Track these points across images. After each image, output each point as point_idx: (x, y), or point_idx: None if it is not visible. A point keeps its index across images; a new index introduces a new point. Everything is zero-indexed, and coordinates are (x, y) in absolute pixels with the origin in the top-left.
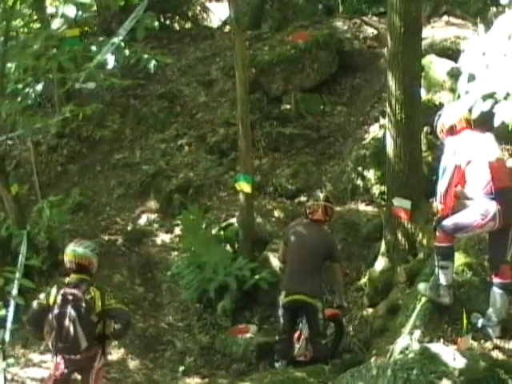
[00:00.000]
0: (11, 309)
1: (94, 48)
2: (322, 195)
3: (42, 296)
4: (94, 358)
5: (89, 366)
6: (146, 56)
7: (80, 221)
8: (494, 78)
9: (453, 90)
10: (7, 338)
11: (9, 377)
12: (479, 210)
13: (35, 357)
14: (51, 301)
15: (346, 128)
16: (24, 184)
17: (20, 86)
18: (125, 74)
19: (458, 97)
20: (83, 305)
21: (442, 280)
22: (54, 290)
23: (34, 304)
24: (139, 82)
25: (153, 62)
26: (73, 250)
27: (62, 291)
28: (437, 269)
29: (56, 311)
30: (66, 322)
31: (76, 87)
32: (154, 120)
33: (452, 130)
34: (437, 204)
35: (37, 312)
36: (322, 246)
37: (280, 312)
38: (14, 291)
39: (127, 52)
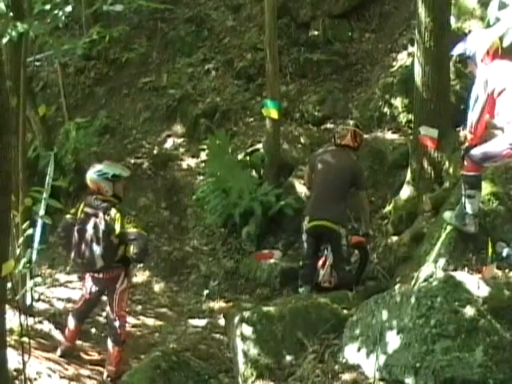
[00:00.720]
0: (38, 229)
1: None
2: (351, 121)
3: (71, 211)
4: (117, 280)
5: (112, 286)
6: None
7: (106, 143)
8: None
9: (483, 19)
10: (34, 257)
11: (36, 296)
12: (508, 139)
13: (61, 277)
14: (78, 216)
15: (373, 55)
16: (51, 106)
17: (48, 6)
18: None
19: (488, 24)
20: (103, 224)
21: (469, 209)
22: (81, 207)
23: (66, 217)
24: (167, 5)
25: None
26: (88, 174)
27: (85, 209)
28: (463, 198)
29: (78, 227)
30: (85, 238)
31: (104, 9)
32: (181, 44)
33: (484, 58)
34: (466, 133)
35: (68, 224)
36: (349, 173)
37: (304, 237)
38: (41, 211)
39: None
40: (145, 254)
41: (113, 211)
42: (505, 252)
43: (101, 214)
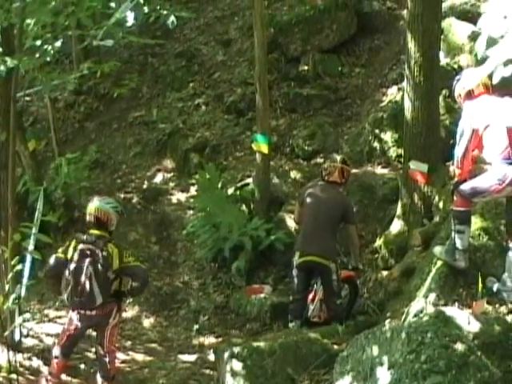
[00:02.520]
0: (27, 264)
1: (113, 5)
2: (338, 157)
3: (60, 250)
4: (110, 315)
5: (104, 322)
6: (165, 12)
7: (96, 178)
8: None
9: (472, 53)
10: (23, 293)
11: (24, 332)
12: (497, 175)
13: (51, 312)
14: (69, 255)
15: (363, 90)
16: (41, 140)
17: (38, 42)
18: (143, 32)
19: (476, 58)
20: (100, 261)
21: (458, 244)
22: (71, 245)
23: (53, 258)
24: (157, 40)
25: (172, 18)
26: (95, 204)
27: (79, 246)
28: (453, 233)
29: (73, 266)
30: (83, 277)
31: (94, 44)
32: (171, 78)
33: (470, 95)
34: (454, 168)
35: (55, 265)
36: (338, 207)
37: (294, 273)
38: (31, 246)
39: (146, 9)
40: (145, 286)
41: (110, 246)
42: (495, 287)
43: (97, 251)
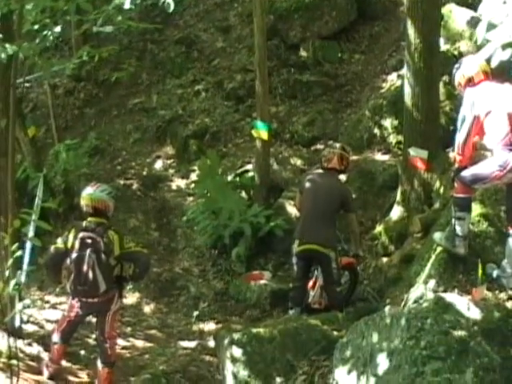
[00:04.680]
0: (27, 251)
1: None
2: (338, 144)
3: (59, 240)
4: (112, 301)
5: (106, 308)
6: None
7: (96, 165)
8: None
9: (472, 40)
10: (23, 279)
11: (24, 318)
12: (498, 161)
13: (51, 298)
14: (69, 244)
15: (363, 76)
16: (41, 127)
17: (36, 26)
18: (142, 19)
19: (476, 44)
20: (102, 248)
21: (458, 231)
22: (71, 234)
23: (52, 248)
24: (157, 25)
25: (169, 0)
26: (89, 194)
27: (80, 235)
28: (453, 219)
29: (74, 255)
30: (85, 265)
31: (93, 30)
32: (171, 65)
33: (470, 82)
34: (455, 155)
35: (54, 256)
36: (336, 195)
37: (293, 260)
38: (31, 233)
39: None
40: (146, 272)
41: (110, 233)
42: (495, 273)
43: (98, 238)
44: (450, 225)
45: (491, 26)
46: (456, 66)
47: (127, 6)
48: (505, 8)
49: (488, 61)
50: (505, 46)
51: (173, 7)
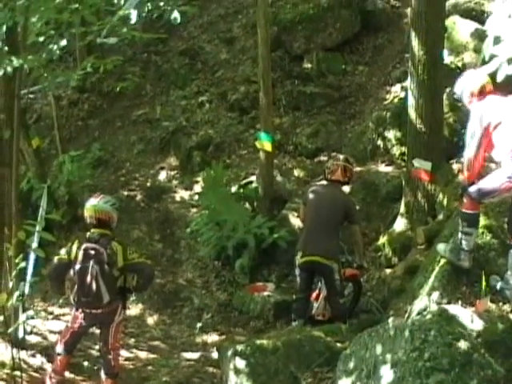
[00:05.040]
0: (31, 262)
1: (116, 1)
2: (341, 156)
3: (62, 251)
4: (115, 312)
5: (109, 319)
6: (168, 8)
7: (100, 176)
8: None
9: (476, 52)
10: (27, 290)
11: (28, 329)
12: (507, 172)
13: (54, 309)
14: (72, 256)
15: (367, 88)
16: (45, 138)
17: (41, 38)
18: (146, 30)
19: (483, 60)
20: (105, 259)
21: (465, 245)
22: (75, 245)
23: (55, 259)
24: (161, 36)
25: (175, 13)
26: (93, 205)
27: (83, 246)
28: (460, 234)
29: (78, 266)
30: (88, 276)
31: (98, 42)
32: (174, 76)
33: (476, 95)
34: (464, 170)
35: (58, 267)
36: (340, 206)
37: (297, 272)
38: (34, 244)
39: (150, 6)
40: (150, 283)
41: (114, 244)
42: (498, 285)
43: (102, 250)
44: (453, 237)
45: (497, 40)
46: (461, 79)
47: (134, 20)
48: (510, 22)
49: (494, 75)
50: (511, 60)
51: (178, 20)
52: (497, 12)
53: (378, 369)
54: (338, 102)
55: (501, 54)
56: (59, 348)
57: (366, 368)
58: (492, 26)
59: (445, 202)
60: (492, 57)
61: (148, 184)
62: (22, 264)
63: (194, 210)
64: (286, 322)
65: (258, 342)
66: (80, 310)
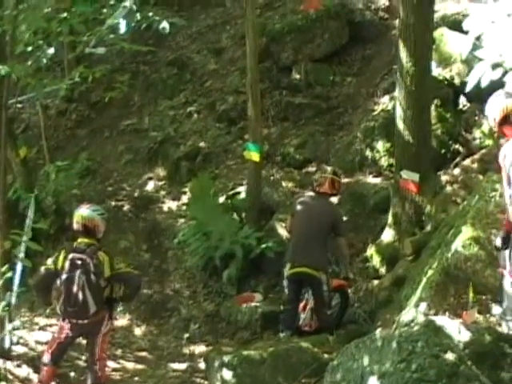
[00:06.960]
0: (18, 272)
1: (105, 11)
2: (329, 168)
3: (49, 261)
4: (102, 323)
5: (96, 330)
6: (157, 18)
7: (87, 186)
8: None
9: (464, 63)
10: (13, 300)
11: (14, 339)
12: None
13: (41, 320)
14: (59, 266)
15: (355, 99)
16: (32, 147)
17: (29, 48)
18: (135, 40)
19: (468, 67)
20: (92, 269)
21: None
22: (61, 255)
23: (42, 269)
24: (149, 47)
25: (164, 24)
26: (81, 212)
27: (70, 256)
28: None
29: (64, 276)
30: (75, 287)
31: (86, 51)
32: (163, 87)
33: (499, 123)
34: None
35: (44, 277)
36: (327, 218)
37: (285, 283)
38: (21, 254)
39: (139, 16)
40: (137, 293)
41: (100, 254)
42: (497, 316)
43: (88, 260)
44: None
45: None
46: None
47: (122, 30)
48: (494, 27)
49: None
50: (495, 66)
51: (167, 30)
52: (476, 14)
53: (365, 380)
54: (326, 113)
55: (484, 57)
56: (46, 358)
57: (354, 379)
58: (471, 26)
59: (432, 213)
60: (469, 57)
61: (136, 194)
62: (9, 274)
63: (182, 220)
64: (274, 333)
65: (246, 352)
66: (67, 321)
